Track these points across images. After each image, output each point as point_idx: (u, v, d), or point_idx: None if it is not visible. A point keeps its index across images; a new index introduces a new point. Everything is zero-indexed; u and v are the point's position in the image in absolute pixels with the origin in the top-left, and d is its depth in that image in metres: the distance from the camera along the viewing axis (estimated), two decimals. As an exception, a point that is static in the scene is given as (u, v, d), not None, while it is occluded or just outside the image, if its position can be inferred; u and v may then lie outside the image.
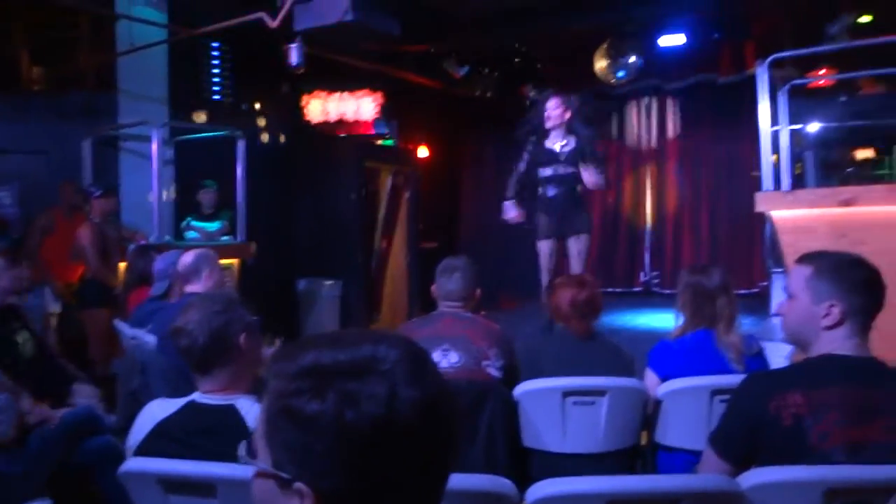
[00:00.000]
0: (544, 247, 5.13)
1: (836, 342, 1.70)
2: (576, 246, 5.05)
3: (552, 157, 5.02)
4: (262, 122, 7.14)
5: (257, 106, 7.15)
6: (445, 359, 2.63)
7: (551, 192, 5.06)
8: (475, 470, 1.68)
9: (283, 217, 7.22)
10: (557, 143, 5.03)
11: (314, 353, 0.77)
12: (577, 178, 5.01)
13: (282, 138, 7.35)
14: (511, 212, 5.24)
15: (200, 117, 6.38)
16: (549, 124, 5.01)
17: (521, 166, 5.21)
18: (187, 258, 3.36)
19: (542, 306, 4.49)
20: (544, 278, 5.10)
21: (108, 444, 2.89)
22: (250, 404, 1.78)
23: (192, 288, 3.32)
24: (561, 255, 5.22)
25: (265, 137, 7.08)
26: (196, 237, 6.01)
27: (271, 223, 6.80)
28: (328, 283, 7.13)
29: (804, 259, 1.79)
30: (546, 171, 5.07)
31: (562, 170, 5.01)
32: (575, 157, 4.97)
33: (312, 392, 0.74)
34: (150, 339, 3.25)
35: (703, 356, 2.55)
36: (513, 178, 5.26)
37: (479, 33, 7.27)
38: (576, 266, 5.07)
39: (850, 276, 1.70)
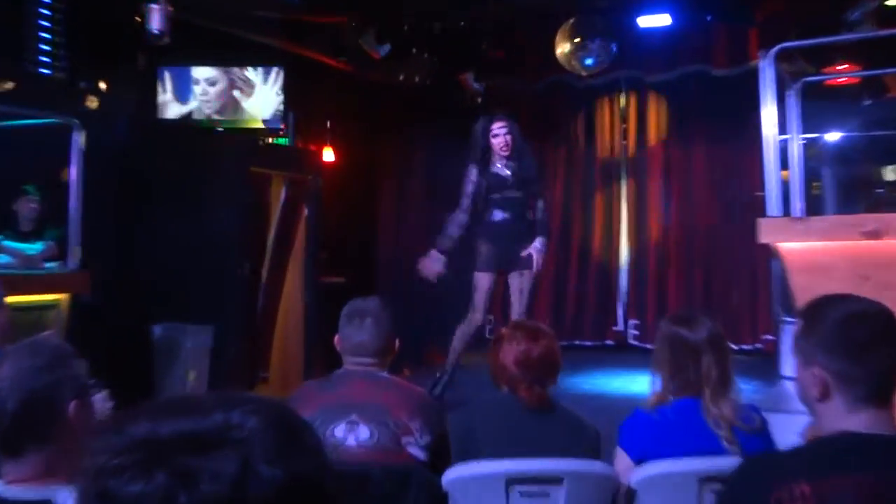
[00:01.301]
0: (484, 280, 5.73)
1: (841, 417, 1.73)
2: (518, 283, 5.69)
3: (501, 183, 5.81)
4: (108, 107, 6.99)
5: (102, 86, 7.01)
6: (353, 435, 2.62)
7: (498, 216, 5.75)
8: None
9: (135, 238, 7.06)
10: (504, 168, 5.79)
11: (149, 423, 0.77)
12: (526, 202, 5.80)
13: (135, 131, 7.22)
14: (436, 265, 5.81)
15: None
16: (505, 151, 5.74)
17: (465, 203, 5.85)
18: None
19: (482, 360, 4.71)
20: (476, 317, 5.73)
21: None
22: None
23: None
24: (500, 294, 5.85)
25: (112, 128, 6.93)
26: (8, 262, 5.81)
27: (118, 246, 6.65)
28: (195, 329, 6.98)
29: (802, 310, 1.87)
30: (494, 196, 5.85)
31: (510, 194, 5.82)
32: (519, 182, 5.76)
33: (136, 469, 0.74)
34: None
35: (689, 431, 2.60)
36: (453, 222, 5.88)
37: (408, 3, 7.35)
38: (516, 306, 5.67)
39: (844, 335, 1.73)
